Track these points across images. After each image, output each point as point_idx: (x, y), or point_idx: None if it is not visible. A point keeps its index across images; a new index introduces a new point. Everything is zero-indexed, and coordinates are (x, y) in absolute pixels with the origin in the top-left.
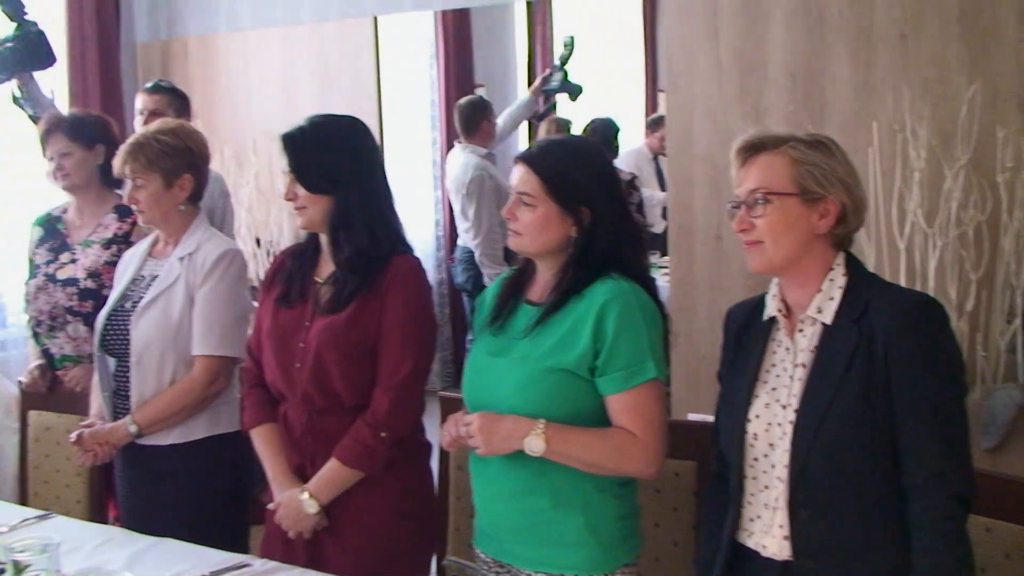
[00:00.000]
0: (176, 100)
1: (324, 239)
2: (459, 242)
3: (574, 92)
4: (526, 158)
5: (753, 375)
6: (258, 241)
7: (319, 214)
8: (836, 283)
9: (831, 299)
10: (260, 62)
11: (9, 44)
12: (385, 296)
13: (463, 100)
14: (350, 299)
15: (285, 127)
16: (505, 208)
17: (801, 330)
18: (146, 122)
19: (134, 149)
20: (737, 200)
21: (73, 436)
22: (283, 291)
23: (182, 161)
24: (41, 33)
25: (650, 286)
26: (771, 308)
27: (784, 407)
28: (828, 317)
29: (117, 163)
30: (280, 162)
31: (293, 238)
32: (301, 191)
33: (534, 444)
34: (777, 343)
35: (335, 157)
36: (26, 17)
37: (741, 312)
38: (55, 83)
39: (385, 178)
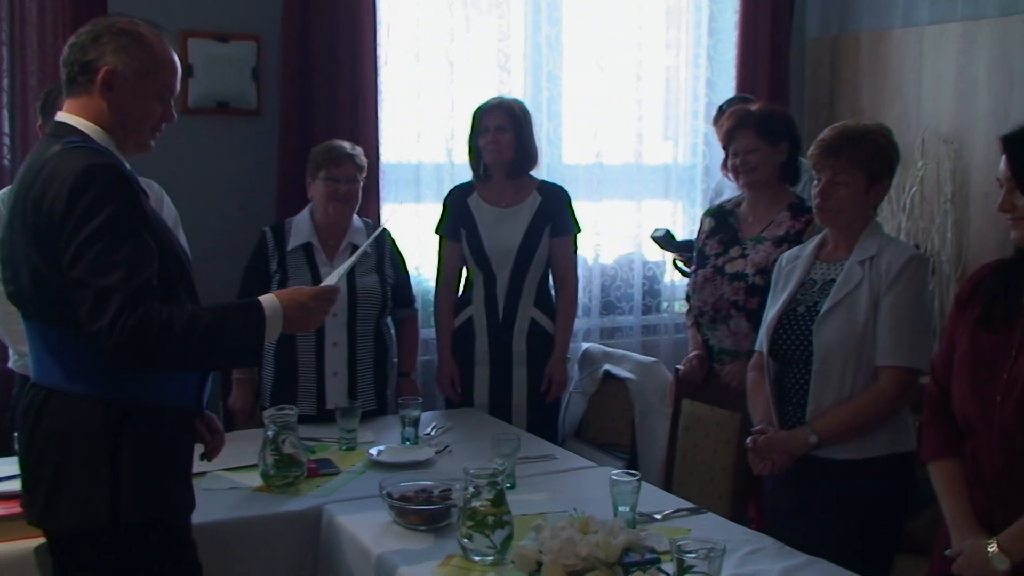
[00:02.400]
0: None
1: None
2: None
3: None
4: None
5: None
6: (916, 246)
7: None
8: None
9: None
10: (935, 59)
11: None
12: None
13: None
14: None
15: (1009, 128)
16: None
17: None
18: None
19: (841, 143)
20: None
21: (748, 442)
22: (984, 312)
23: (887, 165)
24: None
25: None
26: None
27: None
28: None
29: (817, 152)
30: (947, 166)
31: (955, 249)
32: (1021, 201)
33: None
34: None
35: None
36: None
37: None
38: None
39: None
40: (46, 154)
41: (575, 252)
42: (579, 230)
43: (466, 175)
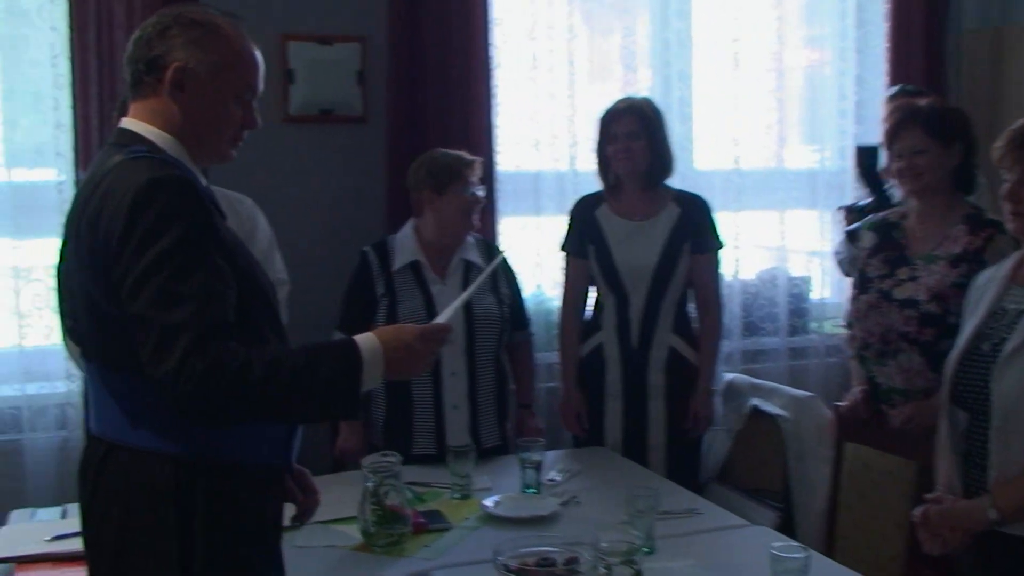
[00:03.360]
0: None
1: None
2: None
3: None
4: None
5: None
6: None
7: None
8: None
9: None
10: None
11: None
12: None
13: None
14: None
15: None
16: None
17: None
18: None
19: None
20: None
21: (917, 513)
22: None
23: None
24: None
25: None
26: None
27: None
28: None
29: (1004, 146)
30: None
31: None
32: None
33: None
34: None
35: None
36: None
37: None
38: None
39: None
40: (106, 165)
41: (719, 270)
42: (722, 245)
43: (591, 185)
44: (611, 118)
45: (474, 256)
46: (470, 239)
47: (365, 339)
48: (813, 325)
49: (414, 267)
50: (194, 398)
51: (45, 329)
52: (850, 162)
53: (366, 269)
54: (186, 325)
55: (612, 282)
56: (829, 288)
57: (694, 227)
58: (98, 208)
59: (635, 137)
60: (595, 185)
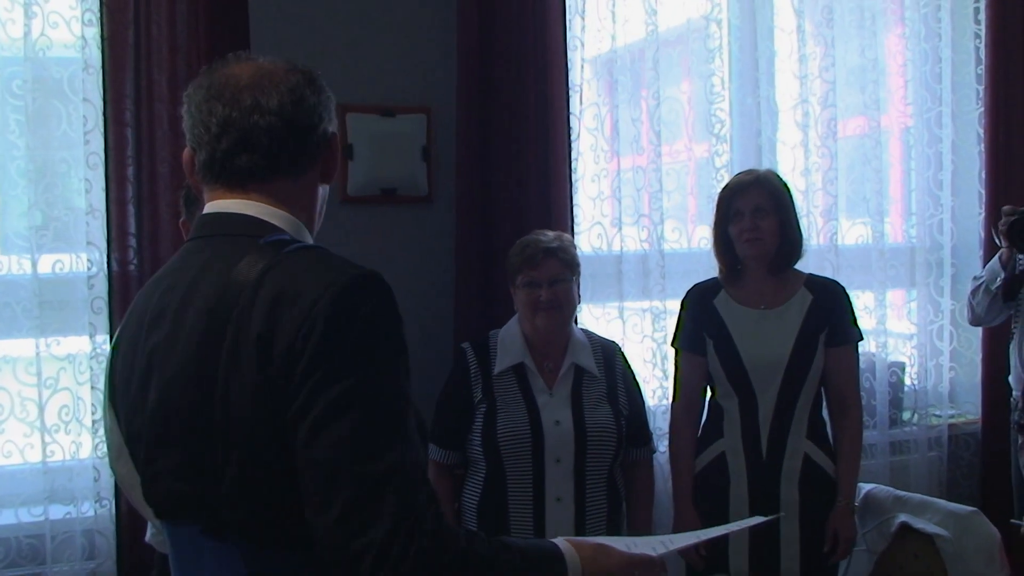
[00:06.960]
0: None
1: None
2: None
3: None
4: None
5: None
6: None
7: None
8: None
9: None
10: None
11: None
12: None
13: None
14: None
15: None
16: None
17: None
18: None
19: None
20: None
21: None
22: None
23: None
24: None
25: None
26: None
27: None
28: None
29: None
30: None
31: None
32: None
33: None
34: None
35: None
36: None
37: None
38: None
39: None
40: (242, 267)
41: (857, 366)
42: (862, 337)
43: (680, 266)
44: (734, 192)
45: (587, 360)
46: (582, 338)
47: (568, 553)
48: (907, 415)
49: (518, 370)
50: None
51: (73, 445)
52: (947, 239)
53: (463, 369)
54: (391, 481)
55: (737, 381)
56: (927, 374)
57: (830, 316)
58: (268, 322)
59: (763, 213)
60: (685, 267)
